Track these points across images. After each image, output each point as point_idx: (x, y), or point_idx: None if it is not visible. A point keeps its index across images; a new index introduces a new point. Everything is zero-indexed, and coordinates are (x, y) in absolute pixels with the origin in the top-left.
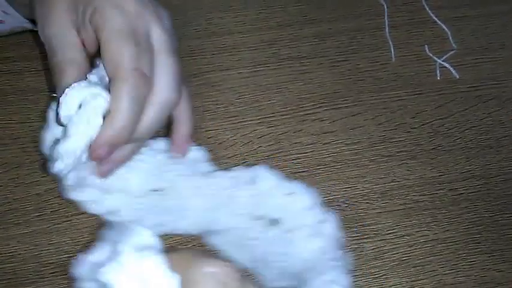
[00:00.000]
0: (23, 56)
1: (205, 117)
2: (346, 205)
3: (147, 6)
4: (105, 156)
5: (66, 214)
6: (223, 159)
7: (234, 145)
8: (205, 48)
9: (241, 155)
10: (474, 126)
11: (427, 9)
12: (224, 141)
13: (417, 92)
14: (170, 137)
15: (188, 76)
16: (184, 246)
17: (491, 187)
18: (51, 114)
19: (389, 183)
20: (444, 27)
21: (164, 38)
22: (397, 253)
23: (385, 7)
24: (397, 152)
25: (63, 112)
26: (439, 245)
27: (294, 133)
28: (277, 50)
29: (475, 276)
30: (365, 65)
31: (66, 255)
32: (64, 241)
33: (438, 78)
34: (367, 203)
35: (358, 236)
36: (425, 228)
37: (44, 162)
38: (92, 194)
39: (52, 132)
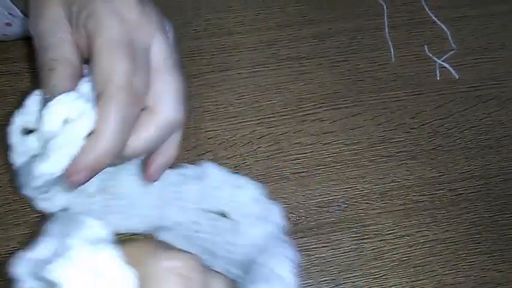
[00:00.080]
0: (22, 57)
1: (205, 117)
2: (346, 205)
3: (150, 17)
4: (83, 182)
5: None
6: (223, 160)
7: (234, 145)
8: (205, 49)
9: (241, 156)
10: (474, 126)
11: (427, 9)
12: (224, 142)
13: (417, 92)
14: (145, 160)
15: (188, 77)
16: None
17: (491, 187)
18: (22, 120)
19: (389, 183)
20: (444, 27)
21: (166, 54)
22: (397, 253)
23: (385, 7)
24: (397, 152)
25: (45, 127)
26: (439, 245)
27: (293, 133)
28: (277, 50)
29: (475, 276)
30: (365, 65)
31: None
32: None
33: (438, 78)
34: (367, 203)
35: (358, 236)
36: (425, 229)
37: (13, 174)
38: (44, 191)
39: (24, 144)
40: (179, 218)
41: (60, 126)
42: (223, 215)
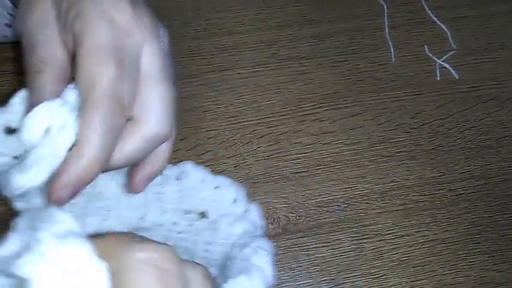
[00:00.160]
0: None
1: (205, 117)
2: (346, 205)
3: (142, 21)
4: (69, 198)
5: None
6: (223, 159)
7: (234, 145)
8: (205, 49)
9: (240, 155)
10: (474, 127)
11: (427, 9)
12: (224, 141)
13: (417, 92)
14: (131, 170)
15: (188, 76)
16: None
17: (491, 187)
18: (5, 118)
19: (389, 183)
20: (444, 27)
21: (157, 62)
22: (397, 253)
23: (385, 7)
24: (397, 152)
25: (25, 135)
26: (439, 245)
27: (293, 133)
28: (277, 50)
29: (475, 276)
30: (365, 65)
31: None
32: None
33: (438, 78)
34: (366, 203)
35: (358, 236)
36: (424, 229)
37: None
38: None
39: (6, 144)
40: (158, 219)
41: (42, 136)
42: (202, 215)
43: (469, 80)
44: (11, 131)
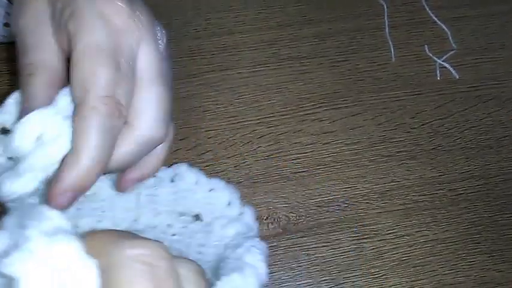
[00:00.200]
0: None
1: (204, 117)
2: (346, 205)
3: (139, 21)
4: (69, 203)
5: None
6: (223, 159)
7: (234, 145)
8: (205, 48)
9: (241, 155)
10: (474, 126)
11: (427, 9)
12: (224, 141)
13: (417, 92)
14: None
15: (188, 76)
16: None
17: (491, 187)
18: (0, 118)
19: (389, 183)
20: (444, 27)
21: (154, 63)
22: (397, 253)
23: (385, 7)
24: (397, 152)
25: (16, 142)
26: (439, 245)
27: (293, 133)
28: (277, 50)
29: (475, 276)
30: (365, 65)
31: None
32: None
33: (438, 78)
34: (367, 203)
35: (358, 236)
36: (424, 229)
37: None
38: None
39: (1, 143)
40: (152, 221)
41: (33, 144)
42: (196, 217)
43: (469, 80)
44: (6, 131)
